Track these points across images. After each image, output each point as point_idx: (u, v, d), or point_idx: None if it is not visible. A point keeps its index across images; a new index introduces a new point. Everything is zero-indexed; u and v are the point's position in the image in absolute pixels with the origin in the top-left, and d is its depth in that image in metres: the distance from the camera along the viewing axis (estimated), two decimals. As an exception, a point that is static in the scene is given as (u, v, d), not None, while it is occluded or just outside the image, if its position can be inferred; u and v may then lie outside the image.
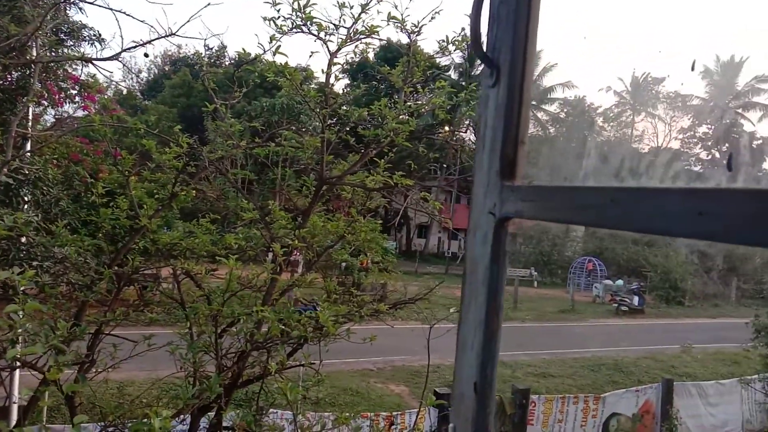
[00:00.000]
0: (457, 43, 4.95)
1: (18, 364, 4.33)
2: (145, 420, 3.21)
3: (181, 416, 4.46)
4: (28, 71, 7.87)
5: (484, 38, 0.83)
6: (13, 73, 8.36)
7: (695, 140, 48.90)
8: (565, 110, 45.73)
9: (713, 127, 48.00)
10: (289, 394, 3.53)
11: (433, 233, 48.12)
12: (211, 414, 4.96)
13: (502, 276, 0.80)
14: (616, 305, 27.88)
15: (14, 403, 7.35)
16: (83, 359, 4.57)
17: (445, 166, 40.02)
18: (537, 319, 24.31)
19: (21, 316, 3.80)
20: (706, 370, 17.82)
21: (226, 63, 40.54)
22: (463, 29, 5.06)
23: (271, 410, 6.95)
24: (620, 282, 31.18)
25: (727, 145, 45.83)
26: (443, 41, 5.07)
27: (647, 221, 0.56)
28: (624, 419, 12.44)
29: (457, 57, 38.46)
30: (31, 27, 4.65)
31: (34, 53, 5.50)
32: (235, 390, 4.90)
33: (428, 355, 5.35)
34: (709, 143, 47.13)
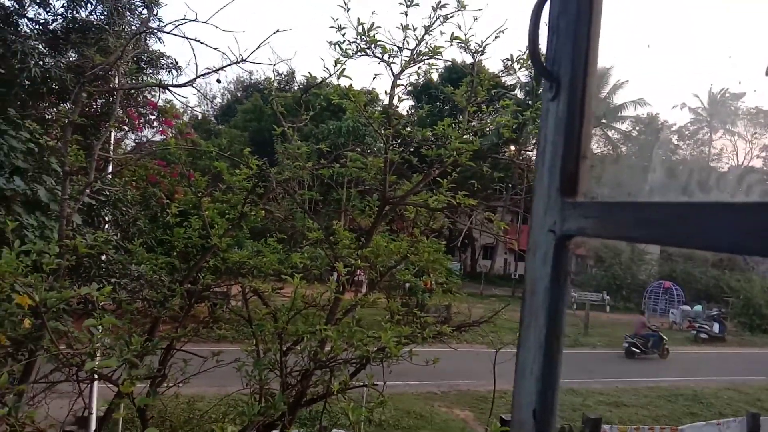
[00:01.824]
0: (522, 61, 4.90)
1: (95, 376, 4.54)
2: (213, 435, 3.27)
3: (247, 432, 4.54)
4: (110, 98, 8.41)
5: (543, 51, 0.81)
6: (98, 100, 8.94)
7: (780, 158, 46.00)
8: (638, 128, 44.18)
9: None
10: (351, 414, 3.51)
11: (499, 254, 47.29)
12: (277, 431, 5.02)
13: (564, 297, 0.76)
14: (694, 332, 26.35)
15: (92, 414, 7.71)
16: (155, 373, 4.74)
17: (511, 185, 39.39)
18: (609, 346, 23.30)
19: (99, 331, 4.00)
20: (797, 405, 16.48)
21: (295, 87, 41.81)
22: (527, 47, 4.99)
23: (334, 430, 6.97)
24: (699, 308, 29.46)
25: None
26: (508, 60, 5.02)
27: (716, 238, 0.51)
28: (706, 454, 11.65)
29: (523, 76, 38.03)
30: (114, 57, 4.97)
31: (116, 81, 5.87)
32: (299, 408, 4.94)
33: (494, 379, 5.21)
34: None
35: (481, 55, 4.91)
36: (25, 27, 9.73)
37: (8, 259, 3.69)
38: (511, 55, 4.95)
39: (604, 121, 42.53)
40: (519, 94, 39.39)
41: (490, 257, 47.06)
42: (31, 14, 9.87)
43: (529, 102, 33.60)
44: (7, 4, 9.37)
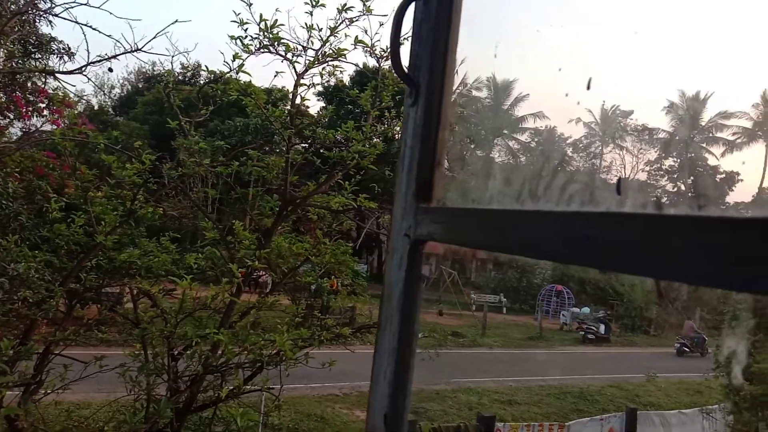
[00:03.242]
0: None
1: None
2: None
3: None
4: (-10, 82, 7.71)
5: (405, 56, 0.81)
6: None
7: (662, 172, 50.08)
8: (536, 139, 46.55)
9: (679, 160, 49.28)
10: (239, 420, 3.42)
11: (405, 257, 48.11)
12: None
13: (417, 301, 0.77)
14: (582, 333, 28.06)
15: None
16: (29, 380, 4.38)
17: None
18: (505, 346, 24.31)
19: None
20: (669, 400, 17.98)
21: (201, 81, 40.29)
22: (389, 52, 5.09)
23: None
24: (587, 310, 31.44)
25: (692, 177, 47.06)
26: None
27: (542, 246, 0.53)
28: (589, 448, 12.43)
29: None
30: (-8, 37, 4.55)
31: (-2, 64, 5.39)
32: (189, 414, 4.74)
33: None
34: (675, 175, 48.35)
35: (386, 60, 4.96)
36: None
37: None
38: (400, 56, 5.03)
39: (505, 131, 44.44)
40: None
41: (396, 260, 47.74)
42: None
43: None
44: None
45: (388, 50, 4.92)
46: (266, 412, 4.96)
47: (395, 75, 5.95)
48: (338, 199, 4.99)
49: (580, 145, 53.02)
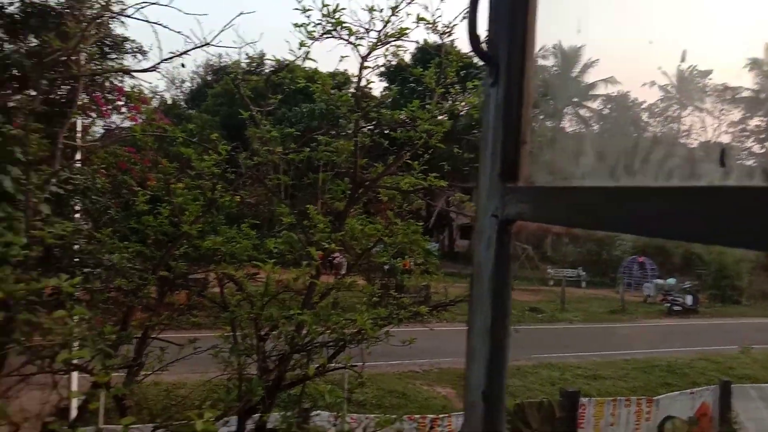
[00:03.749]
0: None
1: (71, 367, 4.50)
2: (190, 422, 3.27)
3: (227, 418, 4.55)
4: (74, 85, 8.20)
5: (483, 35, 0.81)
6: (61, 86, 8.71)
7: (747, 133, 46.71)
8: (609, 106, 44.45)
9: (766, 119, 45.76)
10: (327, 396, 3.54)
11: (477, 234, 47.60)
12: (257, 416, 5.03)
13: (508, 281, 0.77)
14: (668, 305, 26.93)
15: (72, 405, 7.65)
16: (131, 362, 4.71)
17: (486, 165, 39.44)
18: (586, 320, 23.74)
19: (72, 322, 3.96)
20: (767, 372, 17.01)
21: (266, 70, 41.12)
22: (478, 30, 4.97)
23: (315, 412, 7.01)
24: (672, 281, 30.08)
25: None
26: (477, 40, 4.99)
27: (642, 223, 0.52)
28: (679, 423, 11.99)
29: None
30: (74, 41, 4.84)
31: (79, 67, 5.72)
32: (279, 392, 4.96)
33: (471, 357, 5.30)
34: (762, 136, 45.02)
35: (448, 36, 4.90)
36: (-22, 12, 9.40)
37: (-28, 253, 3.62)
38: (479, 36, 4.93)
39: (575, 100, 42.73)
40: (492, 72, 39.30)
41: (467, 237, 47.37)
42: (-15, -2, 9.53)
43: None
44: (-43, -12, 9.03)
45: (451, 27, 4.85)
46: (350, 389, 5.11)
47: (461, 51, 5.87)
48: (408, 179, 5.00)
49: (656, 110, 50.22)
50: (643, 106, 48.35)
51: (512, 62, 0.76)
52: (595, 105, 44.00)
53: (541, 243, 41.18)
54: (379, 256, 6.35)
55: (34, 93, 6.55)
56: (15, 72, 8.78)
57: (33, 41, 9.50)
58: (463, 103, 5.60)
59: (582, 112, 43.21)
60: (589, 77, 42.48)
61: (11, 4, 9.45)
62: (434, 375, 15.27)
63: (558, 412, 10.49)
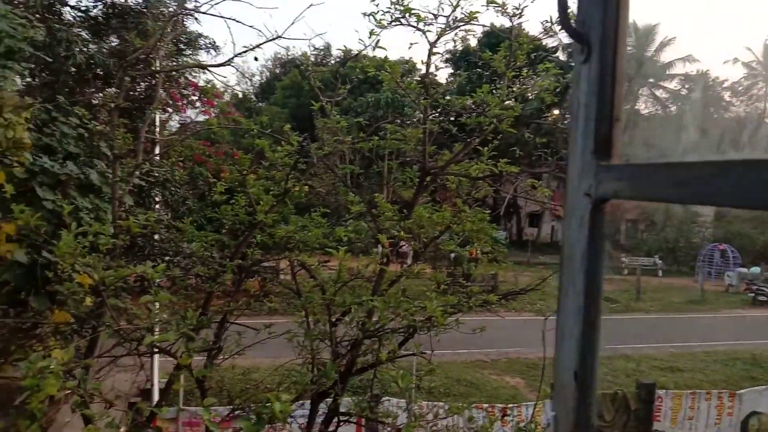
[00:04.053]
0: (562, 21, 4.73)
1: (155, 350, 4.76)
2: (267, 404, 3.39)
3: (302, 401, 4.70)
4: (153, 81, 8.60)
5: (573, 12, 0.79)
6: (141, 83, 9.15)
7: None
8: (687, 86, 42.17)
9: None
10: (400, 382, 3.59)
11: (546, 221, 46.55)
12: (329, 400, 5.17)
13: (601, 261, 0.76)
14: (752, 295, 25.43)
15: (154, 385, 8.10)
16: (211, 346, 4.94)
17: (555, 151, 38.42)
18: (662, 310, 22.80)
19: (156, 307, 4.19)
20: None
21: (332, 61, 41.72)
22: (569, 8, 4.83)
23: (385, 398, 7.11)
24: (757, 269, 28.34)
25: None
26: (547, 22, 4.88)
27: (750, 195, 0.51)
28: (766, 419, 11.35)
29: (565, 37, 36.85)
30: (153, 39, 5.07)
31: (157, 64, 5.99)
32: (350, 377, 5.06)
33: (543, 346, 5.21)
34: None
35: (518, 18, 4.79)
36: (68, 15, 9.99)
37: (67, 241, 3.88)
38: (551, 17, 4.81)
39: (651, 80, 40.78)
40: (561, 56, 38.19)
41: (536, 225, 46.40)
42: (72, 2, 10.12)
43: (572, 64, 32.45)
44: (50, -8, 9.61)
45: (521, 9, 4.74)
46: (420, 375, 5.15)
47: (530, 34, 5.74)
48: (478, 165, 4.95)
49: (740, 88, 47.13)
50: (724, 85, 45.48)
51: (606, 39, 0.75)
52: (672, 85, 41.85)
53: (615, 231, 39.74)
54: (445, 244, 6.34)
55: (115, 90, 6.92)
56: (98, 71, 9.31)
57: (114, 41, 10.04)
58: (534, 88, 5.48)
59: (658, 92, 41.23)
60: (666, 56, 40.47)
61: (95, 6, 10.00)
62: (503, 364, 15.14)
63: (633, 404, 10.17)
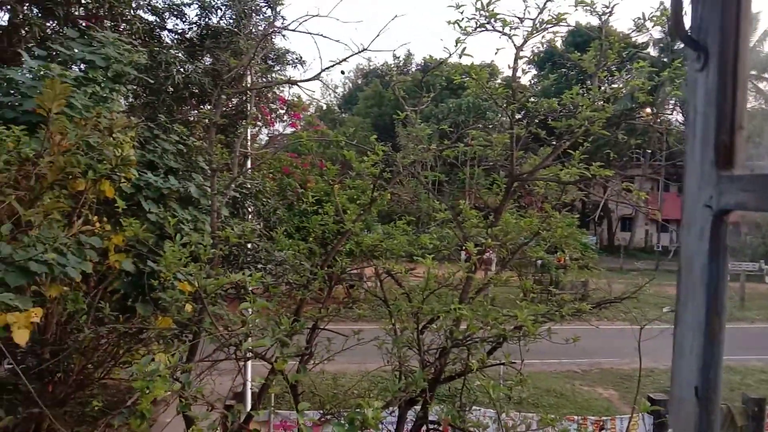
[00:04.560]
0: (655, 19, 4.54)
1: (250, 354, 4.97)
2: (359, 410, 3.45)
3: (390, 408, 4.75)
4: (244, 97, 9.01)
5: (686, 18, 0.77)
6: (232, 99, 9.63)
7: None
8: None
9: None
10: (491, 391, 3.55)
11: (639, 226, 44.37)
12: (417, 408, 5.19)
13: (723, 274, 0.73)
14: None
15: (248, 389, 8.44)
16: (303, 351, 5.10)
17: (649, 151, 36.58)
18: (770, 319, 21.10)
19: (251, 313, 4.38)
20: None
21: (413, 70, 42.01)
22: (661, 3, 4.63)
23: (474, 407, 7.03)
24: None
25: None
26: (639, 18, 4.69)
27: None
28: None
29: (656, 32, 35.15)
30: (247, 58, 5.33)
31: (249, 81, 6.28)
32: (438, 385, 5.06)
33: (639, 358, 4.97)
34: None
35: (609, 16, 4.64)
36: (166, 38, 10.69)
37: (172, 251, 4.15)
38: (643, 14, 4.61)
39: (753, 72, 38.01)
40: (653, 51, 36.42)
41: (629, 229, 44.30)
42: (170, 26, 10.82)
43: (665, 60, 30.89)
44: (150, 19, 10.33)
45: (612, 7, 4.59)
46: (510, 386, 5.06)
47: (619, 32, 5.52)
48: (571, 170, 4.82)
49: None
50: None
51: (725, 45, 0.72)
52: (778, 77, 38.75)
53: (714, 234, 37.21)
54: (532, 251, 6.21)
55: (211, 107, 7.32)
56: (194, 89, 9.88)
57: (208, 60, 10.63)
58: (625, 87, 5.27)
59: (761, 85, 38.29)
60: (769, 46, 37.58)
61: (190, 29, 10.64)
62: (594, 375, 14.55)
63: (740, 420, 9.45)
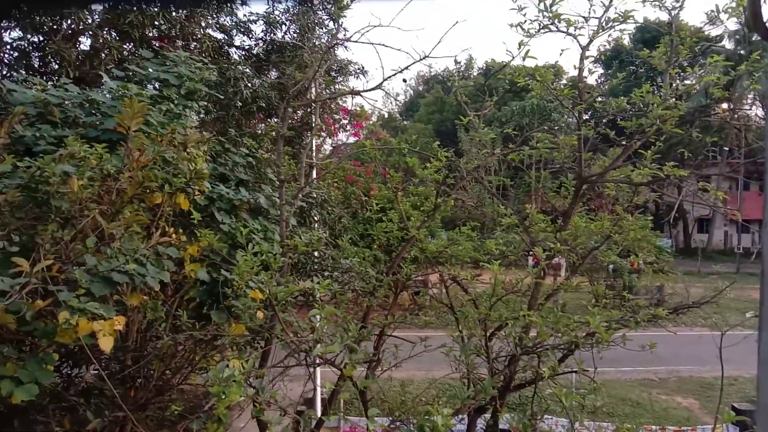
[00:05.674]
0: (731, 11, 4.32)
1: (320, 360, 5.06)
2: (428, 417, 3.45)
3: (459, 416, 4.71)
4: (309, 109, 9.23)
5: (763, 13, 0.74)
6: (297, 111, 9.87)
7: None
8: None
9: None
10: (564, 400, 3.46)
11: (718, 227, 42.08)
12: (487, 416, 5.12)
13: (813, 276, 0.70)
14: None
15: (317, 395, 8.58)
16: (371, 358, 5.14)
17: (727, 149, 34.68)
18: None
19: (318, 320, 4.46)
20: None
21: (475, 74, 41.72)
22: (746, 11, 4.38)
23: (545, 416, 6.87)
24: None
25: None
26: (712, 11, 4.48)
27: None
28: None
29: (732, 23, 33.41)
30: (311, 72, 5.46)
31: (314, 93, 6.42)
32: (508, 393, 4.98)
33: (721, 365, 4.72)
34: None
35: (679, 10, 4.46)
36: (234, 55, 11.10)
37: (244, 260, 4.30)
38: (717, 6, 4.39)
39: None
40: (728, 44, 34.56)
41: (706, 230, 42.09)
42: (237, 42, 11.23)
43: (742, 52, 29.23)
44: (219, 36, 10.76)
45: (682, 1, 4.41)
46: (583, 394, 4.91)
47: (690, 26, 5.30)
48: (643, 170, 4.64)
49: None
50: None
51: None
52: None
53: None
54: (603, 255, 6.02)
55: (278, 120, 7.53)
56: (261, 103, 10.20)
57: (274, 74, 10.95)
58: (699, 83, 5.04)
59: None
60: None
61: (256, 45, 11.02)
62: (672, 384, 13.90)
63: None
